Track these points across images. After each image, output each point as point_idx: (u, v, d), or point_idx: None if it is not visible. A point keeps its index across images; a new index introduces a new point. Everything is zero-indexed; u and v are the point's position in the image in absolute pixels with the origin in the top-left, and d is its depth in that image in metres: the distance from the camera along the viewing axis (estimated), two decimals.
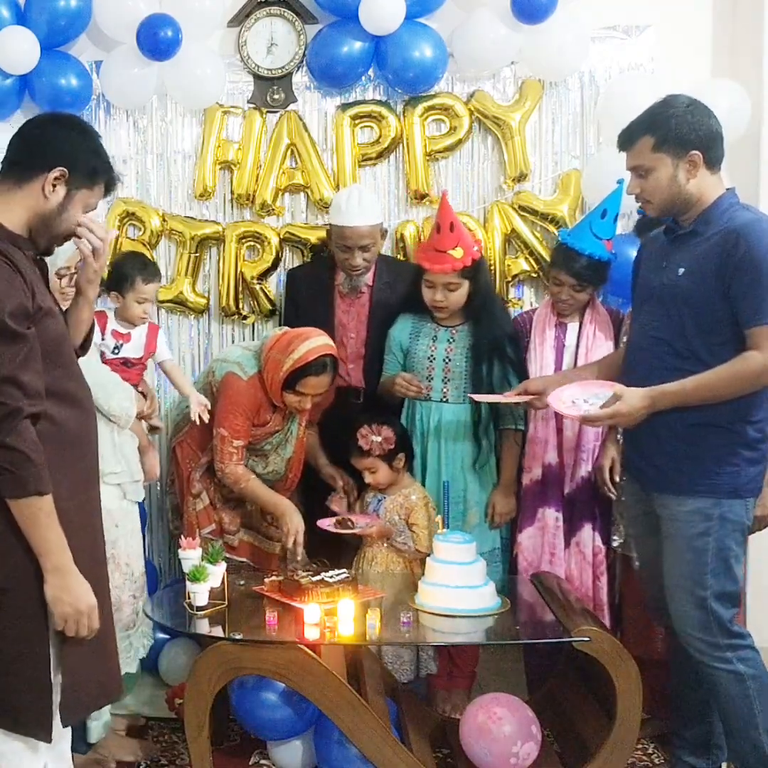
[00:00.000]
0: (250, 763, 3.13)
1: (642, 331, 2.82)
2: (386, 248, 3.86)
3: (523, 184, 3.81)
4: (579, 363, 3.33)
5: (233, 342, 3.95)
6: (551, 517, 3.38)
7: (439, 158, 3.84)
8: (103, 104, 3.91)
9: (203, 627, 2.86)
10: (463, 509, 3.42)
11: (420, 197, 3.84)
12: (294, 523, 3.28)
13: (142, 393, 3.28)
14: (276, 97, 3.86)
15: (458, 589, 2.91)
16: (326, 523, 3.34)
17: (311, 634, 2.75)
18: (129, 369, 3.26)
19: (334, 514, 3.41)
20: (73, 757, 2.29)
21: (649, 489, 2.82)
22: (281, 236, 3.88)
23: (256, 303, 3.92)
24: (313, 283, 3.70)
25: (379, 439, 3.32)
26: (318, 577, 2.96)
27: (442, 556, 2.98)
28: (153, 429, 3.42)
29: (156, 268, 3.41)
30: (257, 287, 3.90)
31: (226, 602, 2.93)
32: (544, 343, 3.40)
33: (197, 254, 3.93)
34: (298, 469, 3.53)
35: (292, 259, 3.93)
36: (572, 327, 3.40)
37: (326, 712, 2.75)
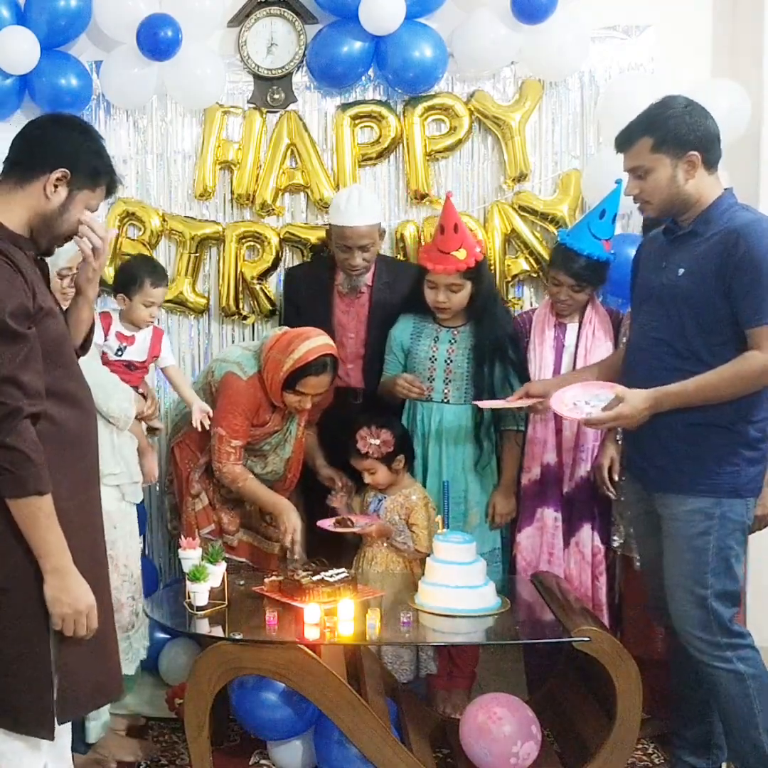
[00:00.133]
0: (250, 763, 3.13)
1: (642, 332, 2.82)
2: (386, 248, 3.86)
3: (523, 184, 3.80)
4: (578, 363, 3.33)
5: (233, 342, 3.95)
6: (550, 517, 3.38)
7: (439, 158, 3.84)
8: (103, 104, 3.91)
9: (203, 627, 2.86)
10: (464, 510, 3.43)
11: (420, 197, 3.84)
12: (292, 521, 3.28)
13: (142, 394, 3.28)
14: (276, 97, 3.86)
15: (458, 589, 2.91)
16: (326, 523, 3.34)
17: (311, 634, 2.75)
18: (131, 372, 3.25)
19: (334, 514, 3.41)
20: (73, 757, 2.29)
21: (651, 489, 2.82)
22: (281, 236, 3.88)
23: (256, 303, 3.92)
24: (312, 283, 3.70)
25: (378, 442, 3.31)
26: (318, 577, 2.96)
27: (442, 556, 2.98)
28: (152, 430, 3.42)
29: (164, 272, 3.40)
30: (257, 287, 3.89)
31: (226, 602, 2.93)
32: (544, 344, 3.40)
33: (197, 254, 3.93)
34: (297, 470, 3.53)
35: (292, 259, 3.93)
36: (571, 327, 3.40)
37: (326, 712, 2.75)
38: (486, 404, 3.28)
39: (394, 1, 3.55)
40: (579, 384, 2.95)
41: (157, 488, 3.87)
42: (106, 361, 3.20)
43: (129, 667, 3.09)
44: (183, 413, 3.61)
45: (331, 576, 2.98)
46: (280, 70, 3.83)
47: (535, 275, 3.82)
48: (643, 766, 3.16)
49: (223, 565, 2.98)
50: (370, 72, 3.81)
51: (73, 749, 2.31)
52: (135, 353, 3.27)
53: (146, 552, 3.87)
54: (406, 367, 3.51)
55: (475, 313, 3.43)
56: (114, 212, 3.90)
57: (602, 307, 3.43)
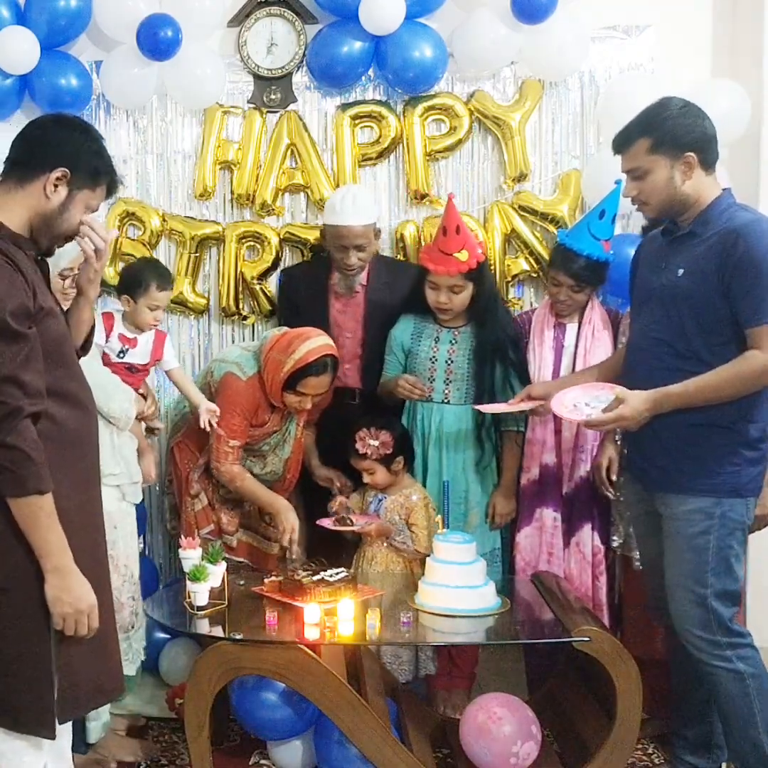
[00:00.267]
0: (250, 763, 3.13)
1: (642, 332, 2.82)
2: (386, 248, 3.87)
3: (523, 184, 3.80)
4: (578, 363, 3.33)
5: (233, 342, 3.95)
6: (549, 517, 3.38)
7: (439, 158, 3.84)
8: (103, 104, 3.91)
9: (203, 627, 2.86)
10: (465, 510, 3.43)
11: (420, 197, 3.84)
12: (289, 521, 3.29)
13: (142, 394, 3.27)
14: (276, 97, 3.87)
15: (458, 589, 2.91)
16: (326, 522, 3.34)
17: (311, 634, 2.75)
18: (133, 374, 3.23)
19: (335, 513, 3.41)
20: (73, 757, 2.29)
21: (651, 488, 2.83)
22: (281, 236, 3.88)
23: (256, 303, 3.92)
24: (308, 283, 3.70)
25: (377, 443, 3.31)
26: (318, 577, 2.96)
27: (442, 556, 2.98)
28: (151, 431, 3.42)
29: (170, 276, 3.39)
30: (257, 287, 3.90)
31: (226, 602, 2.94)
32: (543, 344, 3.40)
33: (197, 254, 3.93)
34: (296, 470, 3.53)
35: (291, 259, 3.93)
36: (571, 327, 3.40)
37: (326, 712, 2.75)
38: (487, 408, 3.28)
39: (394, 1, 3.55)
40: (579, 385, 2.95)
41: (157, 488, 3.87)
42: (107, 362, 3.19)
43: (130, 667, 3.08)
44: (182, 413, 3.61)
45: (331, 576, 2.98)
46: (280, 70, 3.83)
47: (535, 275, 3.82)
48: (643, 766, 3.16)
49: (223, 565, 2.99)
50: (370, 72, 3.80)
51: (74, 749, 2.31)
52: (137, 356, 3.26)
53: (146, 552, 3.87)
54: (406, 368, 3.51)
55: (476, 314, 3.43)
56: (114, 212, 3.90)
57: (602, 308, 3.42)
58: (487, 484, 3.47)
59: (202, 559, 2.95)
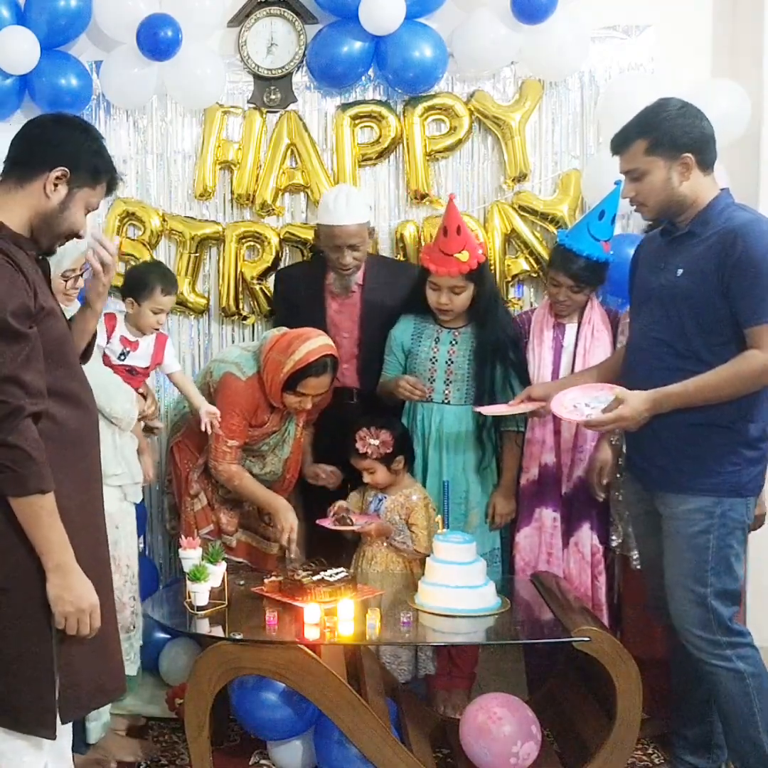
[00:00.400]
0: (250, 763, 3.13)
1: (642, 332, 2.82)
2: (386, 248, 3.87)
3: (523, 184, 3.80)
4: (577, 364, 3.33)
5: (233, 342, 3.95)
6: (548, 517, 3.38)
7: (439, 158, 3.84)
8: (103, 104, 3.91)
9: (203, 627, 2.86)
10: (465, 511, 3.43)
11: (420, 197, 3.84)
12: (288, 520, 3.29)
13: (141, 394, 3.27)
14: (276, 97, 3.87)
15: (458, 589, 2.91)
16: (326, 521, 3.34)
17: (311, 634, 2.75)
18: (133, 377, 3.23)
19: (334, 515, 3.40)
20: (73, 757, 2.29)
21: (651, 488, 2.83)
22: (281, 236, 3.89)
23: (255, 303, 3.92)
24: (304, 284, 3.70)
25: (377, 442, 3.31)
26: (318, 577, 2.96)
27: (442, 556, 2.98)
28: (150, 430, 3.42)
29: (175, 280, 3.39)
30: (257, 287, 3.90)
31: (226, 602, 2.94)
32: (543, 344, 3.40)
33: (197, 254, 3.93)
34: (295, 470, 3.53)
35: (291, 260, 3.93)
36: (570, 328, 3.40)
37: (326, 712, 2.75)
38: (487, 410, 3.28)
39: (394, 1, 3.55)
40: (578, 386, 2.95)
41: (157, 488, 3.87)
42: (107, 363, 3.18)
43: (130, 667, 3.08)
44: (182, 413, 3.61)
45: (330, 576, 2.98)
46: (280, 70, 3.83)
47: (535, 275, 3.82)
48: (643, 766, 3.16)
49: (223, 565, 2.99)
50: (370, 72, 3.81)
51: (74, 749, 2.31)
52: (137, 359, 3.25)
53: (146, 552, 3.87)
54: (406, 368, 3.51)
55: (477, 315, 3.42)
56: (114, 212, 3.90)
57: (601, 308, 3.42)
58: (487, 484, 3.47)
59: (202, 559, 2.95)
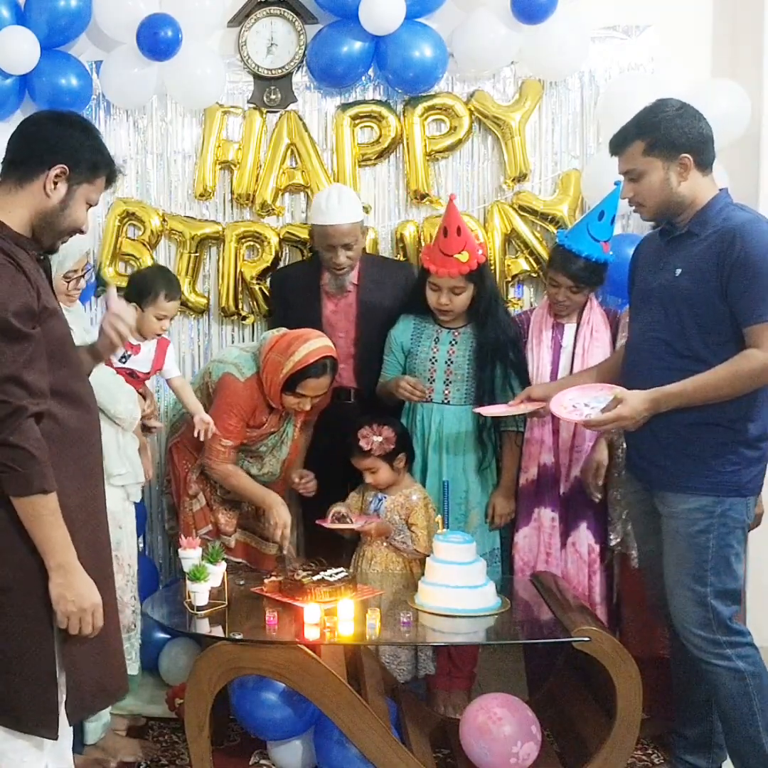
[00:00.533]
0: (250, 763, 3.13)
1: (641, 332, 2.82)
2: (386, 248, 3.87)
3: (523, 184, 3.80)
4: (576, 364, 3.33)
5: (233, 342, 3.95)
6: (547, 517, 3.38)
7: (439, 158, 3.84)
8: (103, 104, 3.91)
9: (203, 627, 2.86)
10: (465, 511, 3.42)
11: (420, 197, 3.84)
12: (282, 516, 3.29)
13: (141, 394, 3.27)
14: (276, 97, 3.87)
15: (458, 589, 2.91)
16: (325, 521, 3.34)
17: (311, 634, 2.75)
18: (133, 379, 3.23)
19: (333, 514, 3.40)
20: (72, 757, 2.29)
21: (652, 488, 2.83)
22: (281, 236, 3.89)
23: (255, 303, 3.92)
24: (300, 284, 3.70)
25: (380, 439, 3.32)
26: (318, 577, 2.96)
27: (442, 556, 2.98)
28: (148, 429, 3.41)
29: (179, 286, 3.39)
30: (256, 287, 3.90)
31: (226, 602, 2.94)
32: (541, 344, 3.40)
33: (197, 254, 3.93)
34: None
35: (291, 259, 3.93)
36: (569, 328, 3.40)
37: (326, 712, 2.75)
38: (487, 411, 3.28)
39: (394, 1, 3.55)
40: (578, 386, 2.95)
41: (157, 488, 3.87)
42: (109, 364, 3.18)
43: (132, 667, 3.09)
44: (181, 413, 3.61)
45: (330, 576, 2.98)
46: (280, 70, 3.83)
47: (535, 275, 3.82)
48: (643, 766, 3.16)
49: (223, 565, 2.99)
50: (370, 72, 3.81)
51: (73, 749, 2.31)
52: (138, 363, 3.25)
53: (146, 552, 3.87)
54: (406, 368, 3.51)
55: (477, 315, 3.42)
56: (114, 212, 3.91)
57: (600, 308, 3.43)
58: (487, 484, 3.47)
59: (202, 559, 2.95)
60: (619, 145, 2.72)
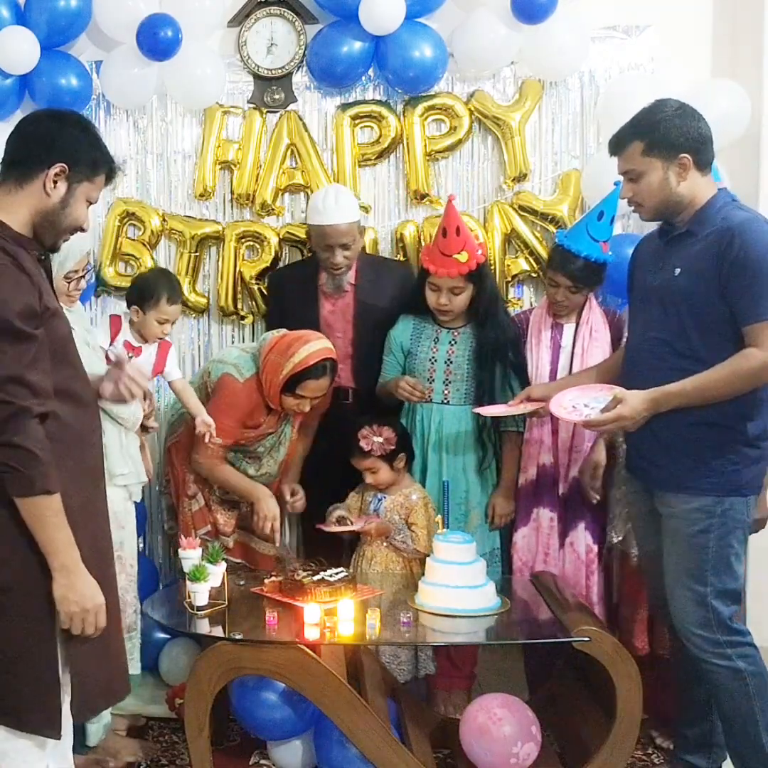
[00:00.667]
0: (250, 763, 3.13)
1: (641, 332, 2.82)
2: (386, 248, 3.87)
3: (523, 184, 3.80)
4: (575, 364, 3.33)
5: (232, 342, 3.95)
6: (546, 517, 3.38)
7: (439, 158, 3.84)
8: (103, 104, 3.92)
9: (203, 627, 2.86)
10: (465, 511, 3.42)
11: (420, 197, 3.84)
12: (270, 509, 3.30)
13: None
14: (276, 97, 3.87)
15: (458, 589, 2.91)
16: (326, 526, 3.34)
17: (311, 634, 2.75)
18: None
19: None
20: (73, 757, 2.29)
21: (652, 487, 2.83)
22: (281, 236, 3.89)
23: (254, 303, 3.92)
24: (298, 285, 3.70)
25: (381, 439, 3.32)
26: (318, 577, 2.97)
27: (442, 556, 2.98)
28: (146, 429, 3.41)
29: (181, 289, 3.40)
30: (256, 287, 3.90)
31: (226, 602, 2.94)
32: (541, 344, 3.40)
33: (197, 254, 3.93)
34: None
35: (291, 259, 3.93)
36: (568, 328, 3.40)
37: (326, 712, 2.75)
38: (487, 411, 3.28)
39: (394, 1, 3.55)
40: (577, 386, 2.95)
41: (157, 488, 3.87)
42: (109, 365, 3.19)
43: (133, 667, 3.09)
44: (179, 413, 3.61)
45: (330, 576, 2.98)
46: (280, 70, 3.83)
47: (535, 275, 3.82)
48: (643, 766, 3.16)
49: (223, 565, 2.99)
50: (370, 72, 3.81)
51: (73, 750, 2.31)
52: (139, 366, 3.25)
53: (146, 552, 3.87)
54: (405, 369, 3.51)
55: (476, 315, 3.42)
56: (114, 212, 3.91)
57: (599, 308, 3.42)
58: (487, 484, 3.47)
59: (202, 559, 2.95)
60: (618, 145, 2.72)
